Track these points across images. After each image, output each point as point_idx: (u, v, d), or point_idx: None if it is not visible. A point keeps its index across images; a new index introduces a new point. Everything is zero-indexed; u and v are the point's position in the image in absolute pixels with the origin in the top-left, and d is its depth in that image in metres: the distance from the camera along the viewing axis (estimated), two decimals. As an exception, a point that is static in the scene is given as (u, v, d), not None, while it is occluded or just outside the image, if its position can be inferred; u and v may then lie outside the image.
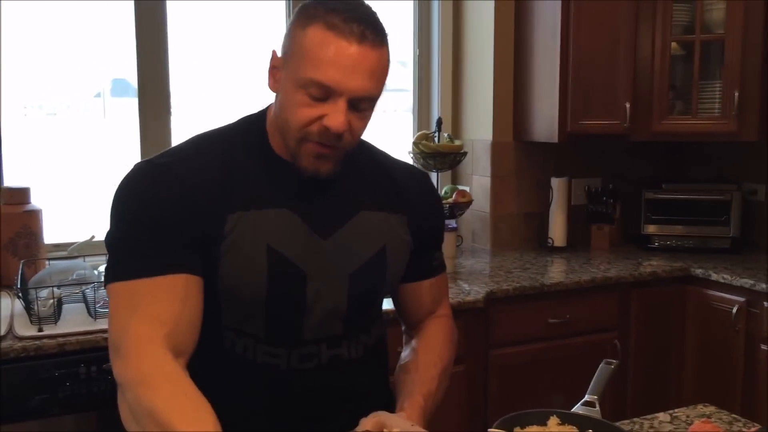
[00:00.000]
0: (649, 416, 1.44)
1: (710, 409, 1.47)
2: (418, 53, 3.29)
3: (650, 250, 3.17)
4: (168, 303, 1.08)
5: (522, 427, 1.16)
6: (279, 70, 1.16)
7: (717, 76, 2.95)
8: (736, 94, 2.82)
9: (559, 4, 2.86)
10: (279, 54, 1.17)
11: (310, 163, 1.15)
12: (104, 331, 1.96)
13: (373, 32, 1.10)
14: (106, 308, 2.07)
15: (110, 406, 1.92)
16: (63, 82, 2.78)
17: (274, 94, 1.20)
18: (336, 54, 1.07)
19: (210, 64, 2.86)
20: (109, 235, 1.16)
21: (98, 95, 3.00)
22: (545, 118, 3.00)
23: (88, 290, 2.15)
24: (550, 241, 3.18)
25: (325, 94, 1.10)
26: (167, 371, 1.05)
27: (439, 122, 3.07)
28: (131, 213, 1.13)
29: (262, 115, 1.25)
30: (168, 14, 2.71)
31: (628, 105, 2.89)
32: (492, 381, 2.53)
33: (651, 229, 3.21)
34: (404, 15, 3.26)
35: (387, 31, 1.15)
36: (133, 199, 1.14)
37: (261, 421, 1.22)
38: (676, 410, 1.47)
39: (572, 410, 1.21)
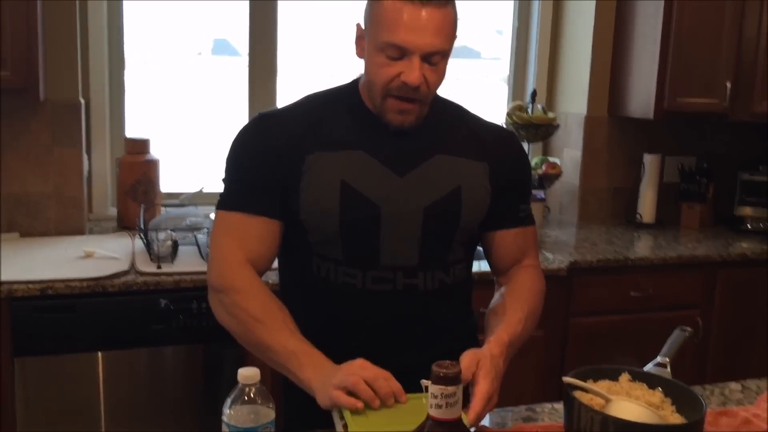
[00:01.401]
0: (720, 384, 1.51)
1: (783, 382, 1.52)
2: (516, 24, 3.34)
3: (741, 231, 3.14)
4: (251, 236, 1.35)
5: (595, 380, 1.25)
6: (362, 39, 1.34)
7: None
8: None
9: (664, -22, 2.84)
10: (362, 26, 1.34)
11: (395, 117, 1.33)
12: (214, 272, 2.16)
13: None
14: (215, 252, 2.27)
15: (217, 339, 2.15)
16: (169, 40, 2.98)
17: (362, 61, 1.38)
18: (406, 17, 1.24)
19: (315, 29, 3.00)
20: (224, 171, 1.42)
21: (199, 54, 3.19)
22: (642, 94, 3.00)
23: (200, 235, 2.35)
24: (638, 216, 3.19)
25: (400, 53, 1.26)
26: (254, 283, 1.34)
27: (534, 94, 3.13)
28: (233, 159, 1.39)
29: (355, 80, 1.44)
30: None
31: (729, 84, 2.87)
32: (570, 348, 2.62)
33: (744, 210, 3.18)
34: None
35: None
36: (235, 147, 1.40)
37: (345, 340, 1.36)
38: (747, 380, 1.53)
39: (644, 369, 1.29)
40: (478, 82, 3.48)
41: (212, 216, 2.51)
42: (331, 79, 2.58)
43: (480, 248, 1.53)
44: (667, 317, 2.73)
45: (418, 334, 1.40)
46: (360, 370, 1.16)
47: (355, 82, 1.43)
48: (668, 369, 1.29)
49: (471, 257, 1.50)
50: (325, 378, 1.18)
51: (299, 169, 1.33)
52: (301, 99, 1.45)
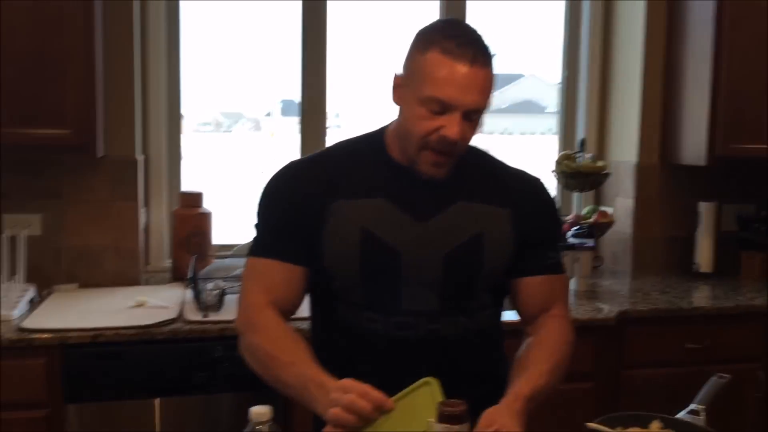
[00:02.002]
0: (767, 436, 1.44)
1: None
2: (566, 74, 3.35)
3: (807, 281, 3.01)
4: (275, 280, 1.39)
5: (624, 427, 1.22)
6: (401, 88, 1.38)
7: None
8: None
9: (711, 24, 2.82)
10: (401, 73, 1.38)
11: (428, 169, 1.36)
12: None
13: (482, 55, 1.30)
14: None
15: (266, 386, 2.17)
16: (237, 101, 3.11)
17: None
18: (452, 74, 1.28)
19: (365, 78, 3.09)
20: (256, 217, 1.47)
21: (269, 114, 3.31)
22: (694, 140, 2.95)
23: (246, 285, 2.40)
24: (695, 266, 3.10)
25: (442, 108, 1.30)
26: (271, 321, 1.37)
27: (583, 142, 3.11)
28: (262, 206, 1.45)
29: (382, 128, 1.48)
30: (327, 37, 2.95)
31: (783, 129, 2.79)
32: (623, 401, 2.53)
33: (809, 259, 3.05)
34: (554, 34, 3.34)
35: (492, 52, 1.33)
36: (264, 195, 1.46)
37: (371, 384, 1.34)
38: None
39: (677, 416, 1.25)
40: (532, 135, 3.50)
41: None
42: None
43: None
44: (726, 370, 2.59)
45: (442, 381, 1.39)
46: (339, 396, 1.16)
47: (382, 130, 1.47)
48: (702, 417, 1.25)
49: (499, 305, 1.50)
50: None
51: (323, 216, 1.37)
52: (329, 147, 1.51)
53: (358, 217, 1.37)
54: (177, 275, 2.75)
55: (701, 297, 2.76)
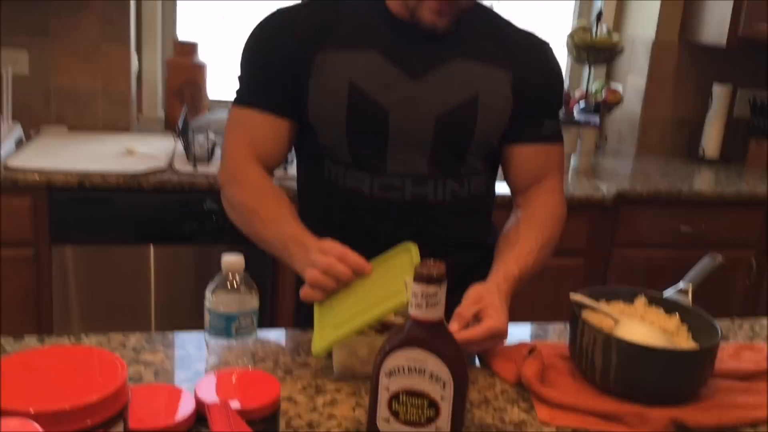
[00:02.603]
0: (751, 318, 1.43)
1: (821, 323, 1.43)
2: (589, -61, 3.13)
3: (813, 173, 2.95)
4: (259, 132, 1.32)
5: (608, 301, 1.19)
6: None
7: None
8: None
9: None
10: None
11: (430, 18, 1.23)
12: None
13: None
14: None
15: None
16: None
17: None
18: None
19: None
20: (239, 67, 1.37)
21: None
22: (717, 18, 2.79)
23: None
24: (701, 151, 3.03)
25: None
26: (253, 175, 1.31)
27: (599, 15, 2.95)
28: (246, 54, 1.35)
29: None
30: None
31: (813, 11, 2.64)
32: (611, 278, 2.53)
33: (818, 150, 2.97)
34: None
35: None
36: (249, 43, 1.34)
37: (355, 247, 1.26)
38: (781, 319, 1.44)
39: (663, 294, 1.22)
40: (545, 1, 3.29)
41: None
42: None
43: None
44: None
45: (427, 247, 1.32)
46: (318, 258, 1.11)
47: None
48: (689, 296, 1.22)
49: (492, 172, 1.42)
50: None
51: (309, 67, 1.28)
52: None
53: (347, 69, 1.27)
54: (169, 126, 2.68)
55: (703, 182, 2.71)
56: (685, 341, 1.14)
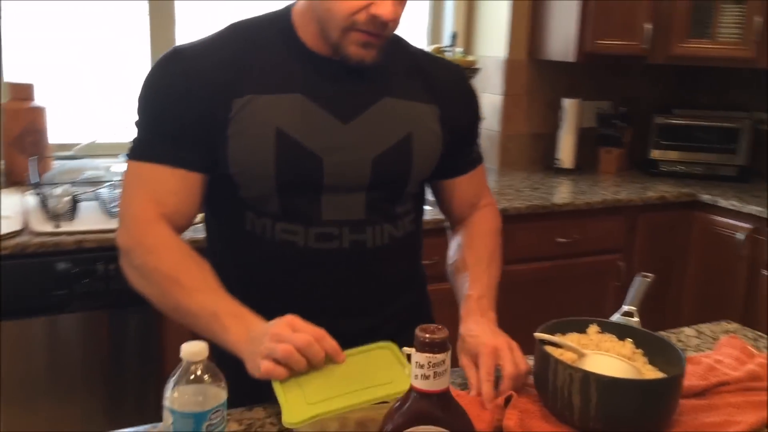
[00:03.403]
0: (674, 330, 1.47)
1: (734, 325, 1.50)
2: (433, -37, 3.19)
3: (658, 175, 3.18)
4: (166, 190, 1.17)
5: (563, 334, 1.17)
6: None
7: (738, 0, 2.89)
8: (757, 20, 2.77)
9: None
10: None
11: (356, 52, 1.14)
12: (121, 230, 1.95)
13: None
14: (121, 208, 2.05)
15: (124, 305, 1.95)
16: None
17: None
18: None
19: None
20: (136, 113, 1.21)
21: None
22: (562, 36, 2.94)
23: (102, 189, 2.12)
24: (557, 162, 3.16)
25: None
26: (167, 239, 1.16)
27: (454, 36, 3.01)
28: (145, 100, 1.19)
29: (287, 8, 1.24)
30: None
31: (648, 26, 2.84)
32: (499, 296, 2.55)
33: (659, 154, 3.21)
34: None
35: None
36: (148, 87, 1.19)
37: (285, 305, 1.17)
38: (700, 325, 1.49)
39: (611, 319, 1.22)
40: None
41: (114, 168, 2.28)
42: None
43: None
44: (593, 261, 2.74)
45: (366, 293, 1.27)
46: (290, 334, 1.00)
47: (287, 10, 1.23)
48: (636, 318, 1.22)
49: (420, 207, 1.37)
50: (253, 342, 1.02)
51: (225, 114, 1.14)
52: (223, 30, 1.23)
53: (272, 115, 1.15)
54: (12, 179, 2.38)
55: (568, 192, 2.82)
56: (642, 366, 1.13)
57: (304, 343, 0.98)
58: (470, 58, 3.02)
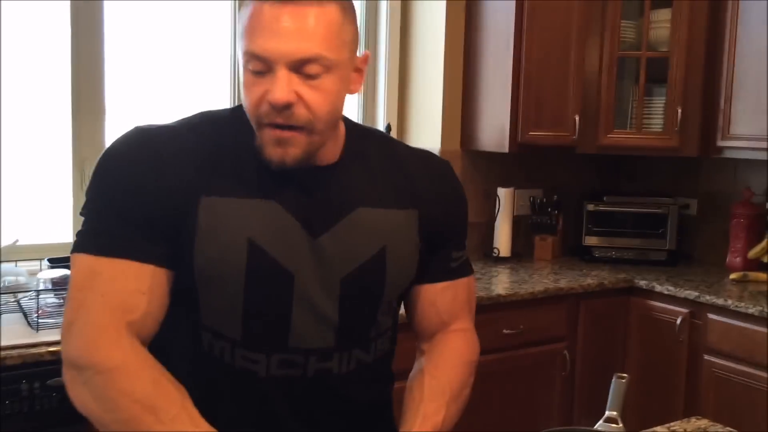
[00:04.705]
0: (647, 430, 1.43)
1: (704, 421, 1.48)
2: (364, 57, 3.22)
3: (591, 261, 3.22)
4: (129, 290, 1.02)
5: (550, 447, 1.11)
6: None
7: (660, 92, 3.03)
8: (679, 110, 2.90)
9: (513, 11, 2.86)
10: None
11: (273, 152, 1.03)
12: (48, 343, 1.79)
13: None
14: (48, 318, 1.90)
15: (55, 424, 1.77)
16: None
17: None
18: (264, 19, 0.98)
19: (149, 63, 2.68)
20: (86, 199, 1.08)
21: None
22: (495, 128, 2.99)
23: (25, 299, 1.96)
24: (495, 251, 3.17)
25: (263, 66, 1.00)
26: (136, 356, 1.02)
27: (388, 128, 3.02)
28: (106, 184, 1.06)
29: None
30: (105, 15, 2.52)
31: (577, 117, 2.93)
32: (448, 393, 2.48)
33: (592, 240, 3.26)
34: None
35: None
36: (107, 170, 1.06)
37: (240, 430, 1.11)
38: (672, 424, 1.46)
39: (596, 427, 1.17)
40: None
41: (40, 275, 2.12)
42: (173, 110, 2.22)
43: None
44: (539, 352, 2.71)
45: (330, 421, 1.16)
46: None
47: None
48: (620, 423, 1.18)
49: (396, 324, 1.25)
50: None
51: (194, 212, 1.03)
52: (192, 117, 1.13)
53: (244, 223, 1.04)
54: None
55: (510, 282, 2.81)
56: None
57: None
58: (405, 149, 3.03)
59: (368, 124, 3.21)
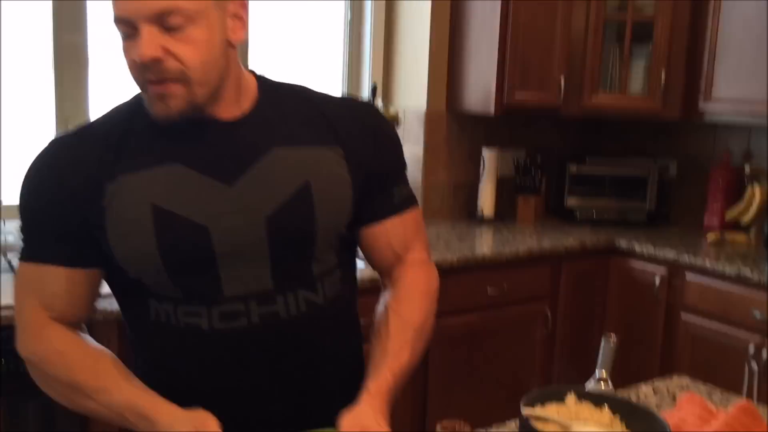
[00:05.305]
0: (631, 387, 1.49)
1: (685, 380, 1.54)
2: (350, 16, 3.20)
3: (573, 222, 3.27)
4: (52, 291, 1.14)
5: (542, 405, 1.15)
6: None
7: (641, 54, 3.05)
8: (663, 73, 2.93)
9: (500, -26, 2.85)
10: None
11: (157, 108, 1.07)
12: None
13: None
14: None
15: (18, 390, 1.77)
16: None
17: None
18: None
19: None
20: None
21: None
22: (481, 89, 3.00)
23: (15, 258, 1.96)
24: (479, 212, 3.21)
25: (129, 28, 1.03)
26: (60, 343, 1.14)
27: (374, 89, 3.02)
28: (26, 199, 1.15)
29: None
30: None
31: (562, 79, 2.95)
32: (434, 351, 2.54)
33: (574, 201, 3.31)
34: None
35: None
36: (27, 185, 1.15)
37: (201, 395, 1.13)
38: (654, 381, 1.52)
39: (586, 386, 1.21)
40: (313, 76, 3.26)
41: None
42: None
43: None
44: (522, 311, 2.78)
45: (291, 372, 1.18)
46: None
47: None
48: (609, 383, 1.23)
49: (350, 263, 1.28)
50: None
51: (100, 203, 1.08)
52: (108, 111, 1.18)
53: (146, 192, 1.08)
54: None
55: (494, 243, 2.86)
56: (622, 432, 1.13)
57: None
58: (392, 110, 3.04)
59: (353, 84, 3.21)
